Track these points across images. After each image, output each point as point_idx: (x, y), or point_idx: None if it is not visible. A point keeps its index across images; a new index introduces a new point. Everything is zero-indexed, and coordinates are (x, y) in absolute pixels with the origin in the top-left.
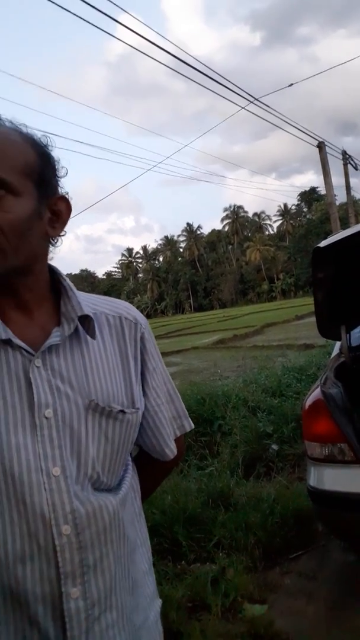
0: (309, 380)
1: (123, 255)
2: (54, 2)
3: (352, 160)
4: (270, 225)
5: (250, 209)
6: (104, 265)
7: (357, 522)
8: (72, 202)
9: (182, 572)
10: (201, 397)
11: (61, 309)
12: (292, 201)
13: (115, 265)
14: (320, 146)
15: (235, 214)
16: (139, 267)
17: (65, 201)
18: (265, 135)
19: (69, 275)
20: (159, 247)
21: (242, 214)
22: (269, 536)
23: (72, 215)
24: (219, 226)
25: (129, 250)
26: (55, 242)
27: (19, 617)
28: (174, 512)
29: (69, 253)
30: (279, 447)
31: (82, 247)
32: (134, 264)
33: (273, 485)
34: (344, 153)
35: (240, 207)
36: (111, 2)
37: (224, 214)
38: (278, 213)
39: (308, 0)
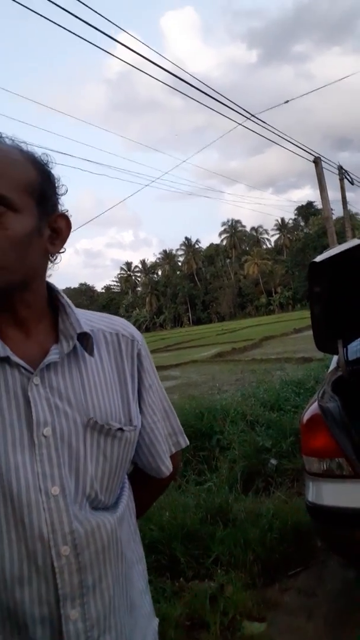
0: (308, 393)
1: (122, 269)
2: (55, 22)
3: (348, 175)
4: (268, 239)
5: (248, 224)
6: (103, 279)
7: (356, 538)
8: (72, 217)
9: (181, 590)
10: (199, 412)
11: (59, 326)
12: (290, 215)
13: (114, 279)
14: (316, 161)
15: (233, 228)
16: (138, 281)
17: (65, 219)
18: (262, 151)
19: (68, 289)
20: (158, 261)
21: (240, 228)
22: (268, 552)
23: (72, 230)
24: (217, 240)
25: (128, 264)
26: (55, 259)
27: (16, 639)
28: (172, 528)
29: (68, 267)
30: (277, 461)
31: (82, 261)
32: (133, 277)
33: (272, 501)
34: (340, 168)
35: (238, 221)
36: (110, 21)
37: (222, 228)
38: (275, 227)
39: (303, 18)
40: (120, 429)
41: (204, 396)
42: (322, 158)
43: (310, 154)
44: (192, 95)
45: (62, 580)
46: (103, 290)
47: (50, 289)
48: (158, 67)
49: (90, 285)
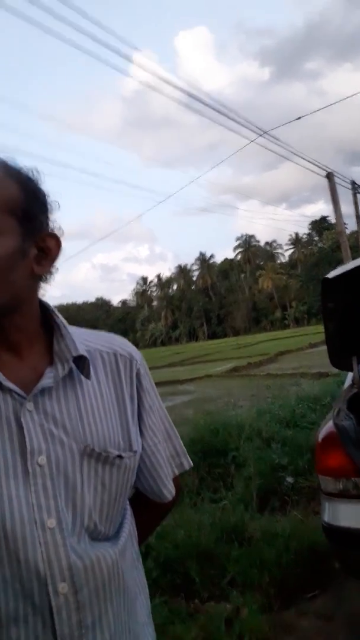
0: (324, 410)
1: (138, 283)
2: (74, 46)
3: None
4: (282, 254)
5: (262, 238)
6: (120, 293)
7: None
8: (63, 237)
9: (196, 611)
10: (214, 427)
11: (54, 348)
12: (303, 230)
13: (130, 294)
14: (329, 176)
15: (247, 243)
16: (154, 295)
17: (54, 238)
18: (276, 167)
19: (85, 303)
20: (173, 275)
21: (254, 243)
22: (284, 574)
23: (89, 245)
24: (231, 255)
25: (144, 279)
26: (46, 279)
27: None
28: (187, 547)
29: (86, 282)
30: (294, 479)
31: (98, 276)
32: (149, 292)
33: (288, 520)
34: (353, 183)
35: (252, 236)
36: (125, 43)
37: (236, 243)
38: (289, 242)
39: (314, 36)
40: (119, 456)
41: (219, 411)
42: (334, 173)
43: (323, 169)
44: (206, 113)
45: (60, 620)
46: (119, 305)
47: (45, 308)
48: (172, 86)
49: (107, 299)
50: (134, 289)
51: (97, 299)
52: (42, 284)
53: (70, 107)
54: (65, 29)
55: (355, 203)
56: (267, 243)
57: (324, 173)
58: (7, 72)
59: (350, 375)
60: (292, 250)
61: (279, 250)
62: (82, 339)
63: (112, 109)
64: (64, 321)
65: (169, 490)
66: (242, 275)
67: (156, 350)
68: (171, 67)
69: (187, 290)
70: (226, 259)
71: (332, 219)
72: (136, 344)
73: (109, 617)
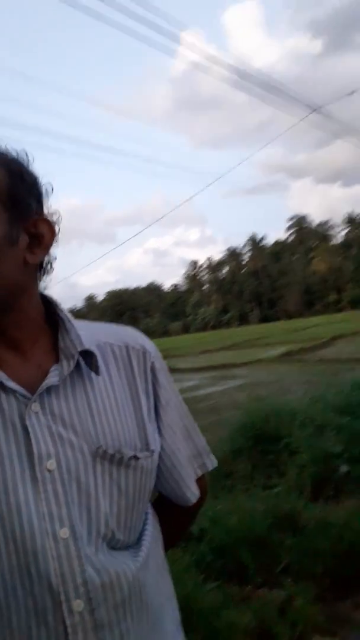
0: None
1: (188, 267)
2: (123, 30)
3: None
4: (337, 235)
5: (315, 218)
6: (171, 277)
7: None
8: (58, 223)
9: (249, 597)
10: (266, 413)
11: (59, 344)
12: (359, 209)
13: (181, 278)
14: None
15: (299, 224)
16: (204, 279)
17: (47, 223)
18: (329, 143)
19: (137, 288)
20: (223, 258)
21: (307, 223)
22: (339, 564)
23: (141, 230)
24: (283, 236)
25: (194, 263)
26: (46, 270)
27: None
28: (240, 533)
29: (138, 267)
30: (348, 468)
31: (150, 261)
32: (199, 276)
33: (342, 509)
34: None
35: (304, 216)
36: (172, 24)
37: (288, 224)
38: (344, 221)
39: None
40: (135, 457)
41: (271, 397)
42: None
43: None
44: (256, 91)
45: None
46: (171, 289)
47: (48, 302)
48: (221, 65)
49: (159, 284)
50: (184, 273)
51: (149, 284)
52: (42, 276)
53: (121, 93)
54: (114, 13)
55: None
56: (320, 223)
57: None
58: (57, 59)
59: None
60: (346, 230)
61: (333, 231)
62: (91, 333)
63: (162, 92)
64: (69, 315)
65: (192, 493)
66: (295, 257)
67: (207, 334)
68: (220, 45)
69: (237, 273)
70: (278, 241)
71: None
72: (187, 328)
73: (130, 636)
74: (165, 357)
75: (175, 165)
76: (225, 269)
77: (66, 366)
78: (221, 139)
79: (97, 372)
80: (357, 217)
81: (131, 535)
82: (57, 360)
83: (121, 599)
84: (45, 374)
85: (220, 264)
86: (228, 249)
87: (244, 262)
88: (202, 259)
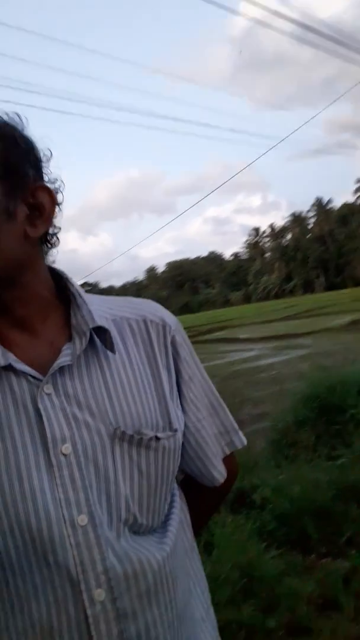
0: None
1: (250, 235)
2: None
3: None
4: None
5: None
6: (231, 246)
7: None
8: (59, 191)
9: (312, 566)
10: (331, 383)
11: (72, 321)
12: None
13: (242, 246)
14: None
15: None
16: (266, 246)
17: (47, 191)
18: None
19: (198, 258)
20: (287, 224)
21: None
22: None
23: (201, 199)
24: (351, 199)
25: (256, 230)
26: (51, 242)
27: None
28: (303, 503)
29: (198, 236)
30: None
31: (210, 230)
32: (261, 243)
33: None
34: None
35: None
36: None
37: (357, 186)
38: None
39: None
40: (156, 438)
41: (336, 367)
42: None
43: None
44: (322, 44)
45: (98, 632)
46: (231, 258)
47: (59, 276)
48: (284, 18)
49: (219, 253)
50: (245, 241)
51: (210, 254)
52: (48, 249)
53: (178, 59)
54: None
55: None
56: None
57: None
58: (112, 29)
59: None
60: None
61: None
62: (106, 307)
63: (221, 53)
64: (80, 290)
65: (219, 472)
66: None
67: (270, 303)
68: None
69: (302, 239)
70: (345, 204)
71: None
72: (249, 297)
73: (156, 626)
74: (226, 327)
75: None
76: (289, 236)
77: (79, 344)
78: (284, 99)
79: (112, 349)
80: None
81: (155, 519)
82: (70, 337)
83: (145, 589)
84: (58, 352)
85: (284, 230)
86: (292, 214)
87: (309, 228)
88: (264, 226)
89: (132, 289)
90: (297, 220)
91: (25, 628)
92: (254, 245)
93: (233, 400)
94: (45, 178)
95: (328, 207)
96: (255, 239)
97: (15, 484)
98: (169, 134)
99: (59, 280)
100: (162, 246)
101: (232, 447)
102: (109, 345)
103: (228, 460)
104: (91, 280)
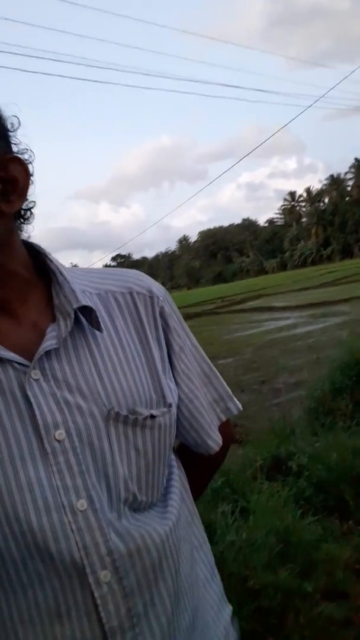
0: None
1: (285, 200)
2: None
3: None
4: None
5: None
6: (266, 212)
7: None
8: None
9: (349, 532)
10: None
11: (54, 301)
12: None
13: (277, 212)
14: None
15: None
16: (302, 211)
17: (19, 163)
18: None
19: (231, 225)
20: (324, 187)
21: None
22: None
23: (233, 164)
24: None
25: (292, 194)
26: (25, 217)
27: None
28: (341, 470)
29: (231, 203)
30: None
31: (244, 196)
32: (297, 208)
33: None
34: None
35: None
36: None
37: None
38: None
39: None
40: (151, 416)
41: None
42: None
43: None
44: None
45: (107, 613)
46: (266, 224)
47: (37, 252)
48: None
49: (253, 219)
50: (281, 207)
51: (243, 220)
52: (23, 225)
53: (208, 19)
54: None
55: None
56: None
57: None
58: None
59: None
60: None
61: None
62: (89, 282)
63: (253, 10)
64: (60, 266)
65: (214, 440)
66: None
67: (306, 270)
68: None
69: (340, 202)
70: None
71: None
72: (285, 265)
73: (163, 599)
74: (261, 296)
75: (270, 91)
76: (326, 199)
77: (63, 326)
78: (319, 56)
79: (99, 328)
80: None
81: (155, 494)
82: (54, 318)
83: (150, 563)
84: (42, 335)
85: (321, 193)
86: (329, 177)
87: (347, 190)
88: (300, 190)
89: (165, 260)
90: (335, 182)
91: (32, 616)
92: (290, 211)
93: (268, 369)
94: (15, 149)
95: None
96: (291, 204)
97: (10, 475)
98: (200, 98)
99: (36, 256)
100: (194, 215)
101: (228, 413)
102: (95, 324)
103: (223, 426)
104: (124, 252)
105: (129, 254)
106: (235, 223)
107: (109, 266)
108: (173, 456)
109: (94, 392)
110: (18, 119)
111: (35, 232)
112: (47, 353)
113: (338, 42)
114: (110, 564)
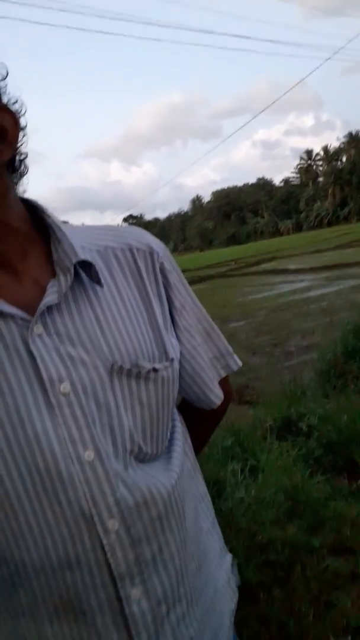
0: None
1: (301, 158)
2: None
3: None
4: None
5: None
6: (282, 171)
7: None
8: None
9: (358, 491)
10: None
11: (53, 257)
12: None
13: (293, 171)
14: None
15: None
16: (319, 170)
17: (7, 113)
18: None
19: (245, 185)
20: (342, 145)
21: None
22: None
23: (248, 121)
24: None
25: (308, 153)
26: (18, 172)
27: (75, 629)
28: (351, 432)
29: (246, 161)
30: None
31: (259, 154)
32: (314, 167)
33: None
34: None
35: None
36: None
37: None
38: None
39: None
40: (154, 369)
41: None
42: None
43: None
44: None
45: (115, 559)
46: (281, 184)
47: (34, 208)
48: None
49: (268, 179)
50: (297, 166)
51: (258, 180)
52: (17, 179)
53: None
54: None
55: None
56: None
57: None
58: None
59: None
60: None
61: None
62: (87, 238)
63: None
64: (58, 221)
65: (216, 395)
66: None
67: (322, 231)
68: None
69: (359, 161)
70: None
71: None
72: (300, 226)
73: (170, 547)
74: (275, 258)
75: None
76: (344, 158)
77: (64, 281)
78: (339, 4)
79: (99, 283)
80: None
81: (159, 446)
82: (54, 274)
83: (157, 515)
84: (43, 291)
85: (339, 151)
86: (348, 134)
87: None
88: (317, 148)
89: (177, 221)
90: (354, 140)
91: (42, 563)
92: (306, 170)
93: (280, 332)
94: (4, 99)
95: None
96: (308, 163)
97: (18, 428)
98: (213, 51)
99: (33, 212)
100: (207, 174)
101: (228, 370)
102: (96, 279)
103: (223, 382)
104: (135, 212)
105: (140, 215)
106: (250, 183)
107: None
108: (175, 411)
109: (97, 346)
110: (6, 67)
111: (46, 193)
112: (49, 308)
113: None
114: (117, 513)
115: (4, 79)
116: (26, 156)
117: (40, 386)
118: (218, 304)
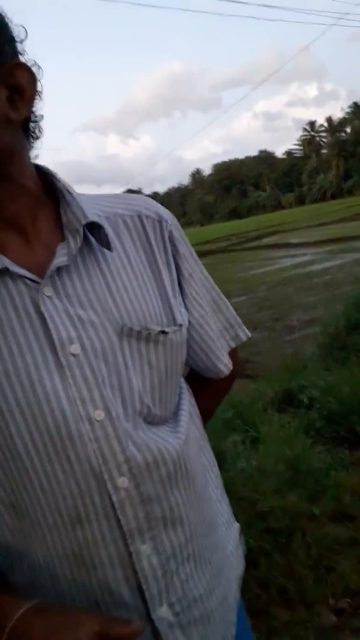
0: None
1: (304, 130)
2: None
3: None
4: None
5: None
6: (284, 143)
7: None
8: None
9: (358, 461)
10: None
11: (62, 220)
12: None
13: (296, 143)
14: None
15: None
16: (323, 142)
17: (25, 70)
18: None
19: (247, 158)
20: (347, 116)
21: None
22: None
23: (249, 91)
24: None
25: (311, 124)
26: (34, 133)
27: (87, 583)
28: (352, 403)
29: (248, 133)
30: None
31: (261, 126)
32: (317, 138)
33: None
34: None
35: None
36: None
37: None
38: None
39: None
40: (163, 332)
41: None
42: None
43: None
44: None
45: (125, 516)
46: (284, 156)
47: (44, 173)
48: None
49: (270, 151)
50: (300, 137)
51: (260, 152)
52: (31, 141)
53: None
54: None
55: None
56: None
57: None
58: None
59: None
60: None
61: None
62: (97, 204)
63: None
64: (67, 185)
65: (224, 364)
66: None
67: (325, 204)
68: None
69: None
70: None
71: None
72: (303, 199)
73: (180, 507)
74: (277, 232)
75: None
76: (349, 129)
77: (73, 243)
78: None
79: (108, 247)
80: None
81: (168, 409)
82: (64, 238)
83: (166, 474)
84: (53, 254)
85: (343, 122)
86: (353, 104)
87: None
88: (320, 119)
89: (177, 195)
90: (359, 110)
91: (55, 520)
92: (309, 141)
93: (282, 306)
94: (22, 59)
95: None
96: (311, 134)
97: (28, 388)
98: (212, 18)
99: (43, 177)
100: (207, 146)
101: (238, 340)
102: (105, 242)
103: (231, 354)
104: (134, 187)
105: (139, 189)
106: (252, 155)
107: None
108: (182, 379)
109: (106, 309)
110: (25, 29)
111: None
112: (59, 270)
113: None
114: (127, 471)
115: (23, 40)
116: (42, 118)
117: (50, 347)
118: (219, 279)
